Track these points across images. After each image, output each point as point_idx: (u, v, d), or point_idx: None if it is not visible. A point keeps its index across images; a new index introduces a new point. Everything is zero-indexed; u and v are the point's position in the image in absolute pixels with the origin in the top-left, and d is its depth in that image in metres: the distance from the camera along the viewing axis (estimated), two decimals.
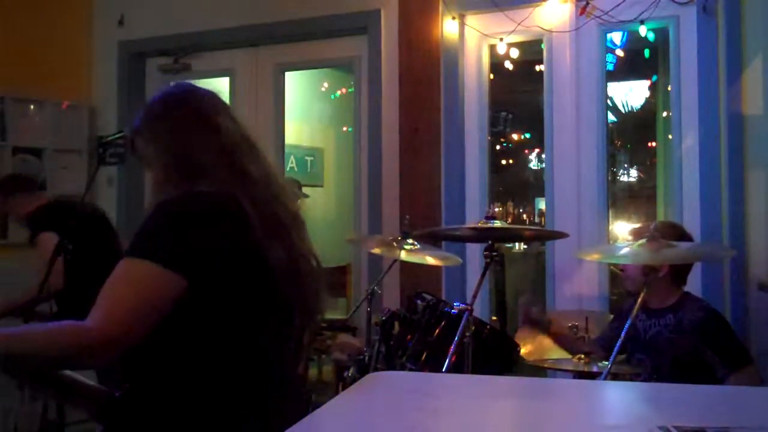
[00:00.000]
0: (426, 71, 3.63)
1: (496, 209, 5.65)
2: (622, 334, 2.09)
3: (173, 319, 1.28)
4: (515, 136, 6.48)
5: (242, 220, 1.37)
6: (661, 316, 2.50)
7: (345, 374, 2.66)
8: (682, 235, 2.51)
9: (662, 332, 2.47)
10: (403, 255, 2.74)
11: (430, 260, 2.91)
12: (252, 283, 1.38)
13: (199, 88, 1.60)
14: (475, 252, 3.39)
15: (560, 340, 2.75)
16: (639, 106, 6.17)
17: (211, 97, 1.57)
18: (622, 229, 5.44)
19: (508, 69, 3.76)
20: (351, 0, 3.85)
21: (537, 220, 5.90)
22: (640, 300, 2.13)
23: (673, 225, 2.66)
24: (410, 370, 2.37)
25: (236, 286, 1.35)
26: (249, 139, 1.53)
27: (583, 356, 2.38)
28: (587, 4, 3.34)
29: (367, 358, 2.58)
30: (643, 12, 3.21)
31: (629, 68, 4.88)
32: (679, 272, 2.52)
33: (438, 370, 2.20)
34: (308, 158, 6.29)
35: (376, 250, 2.89)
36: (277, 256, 1.39)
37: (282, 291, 1.41)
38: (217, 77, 4.34)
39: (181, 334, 1.31)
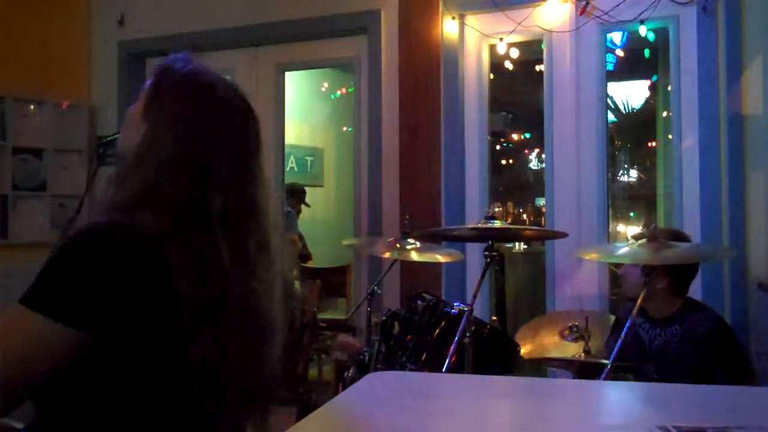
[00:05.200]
0: (426, 71, 3.63)
1: (496, 209, 5.65)
2: (622, 334, 2.08)
3: (80, 370, 1.12)
4: (515, 136, 6.48)
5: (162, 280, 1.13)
6: (666, 326, 2.48)
7: (345, 374, 2.66)
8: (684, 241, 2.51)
9: (670, 343, 2.45)
10: (403, 255, 2.74)
11: (431, 258, 2.91)
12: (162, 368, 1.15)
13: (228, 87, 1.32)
14: (475, 252, 3.39)
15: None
16: (639, 106, 6.17)
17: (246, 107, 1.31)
18: (622, 229, 5.44)
19: (508, 69, 3.76)
20: (351, 0, 3.85)
21: (537, 220, 5.90)
22: (637, 306, 2.13)
23: (676, 232, 2.62)
24: (410, 370, 2.37)
25: (145, 347, 1.14)
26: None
27: (583, 354, 2.38)
28: (587, 4, 3.34)
29: (367, 358, 2.58)
30: (643, 12, 3.21)
31: (629, 68, 4.88)
32: (679, 283, 2.50)
33: (438, 370, 2.20)
34: (308, 158, 6.29)
35: (376, 253, 2.89)
36: (200, 351, 1.14)
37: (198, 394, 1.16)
38: None
39: (88, 386, 1.14)
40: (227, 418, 1.21)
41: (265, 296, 1.25)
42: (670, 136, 3.51)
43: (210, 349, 1.15)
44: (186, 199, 1.19)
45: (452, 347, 2.13)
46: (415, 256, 2.75)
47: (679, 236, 2.50)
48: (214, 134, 1.23)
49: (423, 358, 2.40)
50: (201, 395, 1.16)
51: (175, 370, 1.14)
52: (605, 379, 2.05)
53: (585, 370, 2.37)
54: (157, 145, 1.22)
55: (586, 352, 2.39)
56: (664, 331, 2.47)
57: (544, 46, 3.51)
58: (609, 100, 4.62)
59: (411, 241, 2.73)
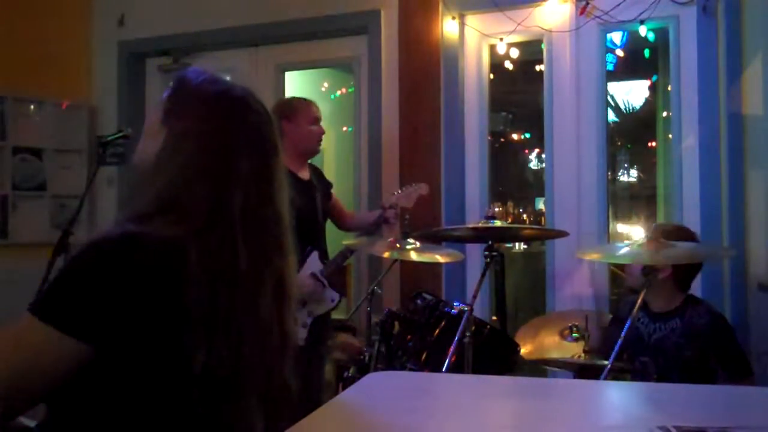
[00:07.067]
0: (426, 71, 3.63)
1: (496, 209, 5.64)
2: (623, 334, 2.08)
3: (93, 377, 1.12)
4: (515, 136, 6.47)
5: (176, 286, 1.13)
6: (666, 320, 2.48)
7: (345, 374, 2.66)
8: (691, 239, 2.50)
9: (669, 336, 2.46)
10: (403, 255, 2.74)
11: (431, 258, 2.90)
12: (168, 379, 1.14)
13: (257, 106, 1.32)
14: (475, 252, 3.39)
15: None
16: (639, 106, 6.16)
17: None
18: (622, 229, 5.44)
19: (508, 69, 3.76)
20: (351, 0, 3.84)
21: (537, 220, 5.90)
22: (639, 300, 2.13)
23: (681, 228, 2.62)
24: (410, 370, 2.37)
25: (158, 356, 1.13)
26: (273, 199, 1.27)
27: (583, 354, 2.38)
28: (587, 4, 3.33)
29: (367, 358, 2.58)
30: (643, 12, 3.21)
31: (629, 68, 4.87)
32: (683, 277, 2.51)
33: (438, 370, 2.21)
34: None
35: (376, 253, 2.89)
36: (214, 357, 1.14)
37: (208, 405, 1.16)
38: None
39: (100, 392, 1.14)
40: (242, 424, 1.21)
41: (280, 299, 1.25)
42: (670, 136, 3.51)
43: (225, 355, 1.15)
44: (206, 202, 1.19)
45: (452, 347, 2.13)
46: (415, 256, 2.74)
47: (685, 232, 2.51)
48: (233, 136, 1.24)
49: (423, 358, 2.41)
50: (215, 402, 1.16)
51: (189, 377, 1.14)
52: (605, 379, 2.05)
53: (585, 370, 2.37)
54: (177, 149, 1.23)
55: (586, 352, 2.39)
56: (663, 325, 2.48)
57: (544, 46, 3.51)
58: (609, 100, 4.61)
59: (411, 241, 2.73)
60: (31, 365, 1.10)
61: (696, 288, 2.89)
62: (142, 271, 1.12)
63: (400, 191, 3.19)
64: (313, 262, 3.08)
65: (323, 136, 3.29)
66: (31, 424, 1.34)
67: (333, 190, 3.48)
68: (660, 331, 2.49)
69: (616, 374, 2.18)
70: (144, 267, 1.12)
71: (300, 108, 3.22)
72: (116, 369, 1.12)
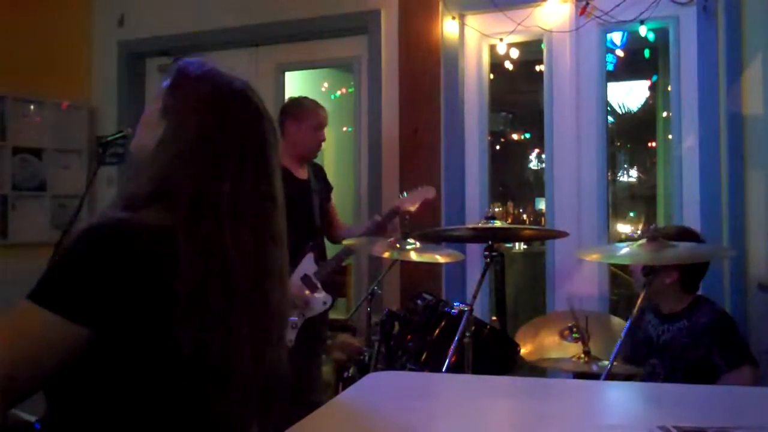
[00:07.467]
0: (426, 71, 3.63)
1: (496, 209, 5.64)
2: (622, 334, 2.08)
3: (89, 365, 1.12)
4: (515, 136, 6.47)
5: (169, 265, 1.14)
6: (674, 321, 2.49)
7: (345, 374, 2.66)
8: (695, 239, 2.50)
9: (676, 337, 2.47)
10: (403, 255, 2.73)
11: (431, 258, 2.90)
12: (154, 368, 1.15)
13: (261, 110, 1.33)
14: (475, 252, 3.39)
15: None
16: (639, 106, 6.17)
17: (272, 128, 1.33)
18: (622, 229, 5.44)
19: (508, 69, 3.75)
20: (351, 0, 3.84)
21: (537, 220, 5.90)
22: (639, 301, 2.13)
23: (684, 230, 2.62)
24: (410, 370, 2.37)
25: (150, 344, 1.14)
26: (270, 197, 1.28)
27: (583, 356, 2.38)
28: (587, 4, 3.33)
29: (367, 358, 2.58)
30: (643, 12, 3.21)
31: (629, 68, 4.87)
32: (689, 279, 2.52)
33: (438, 370, 2.21)
34: None
35: (376, 253, 2.89)
36: (204, 347, 1.15)
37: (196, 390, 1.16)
38: None
39: (96, 381, 1.14)
40: (233, 416, 1.21)
41: (276, 291, 1.26)
42: (670, 136, 3.51)
43: (215, 345, 1.16)
44: (197, 190, 1.20)
45: (452, 347, 2.13)
46: (415, 256, 2.74)
47: (688, 234, 2.51)
48: (230, 128, 1.26)
49: (423, 358, 2.41)
50: (206, 392, 1.17)
51: (180, 367, 1.14)
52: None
53: (586, 377, 2.37)
54: (175, 139, 1.24)
55: (586, 352, 2.39)
56: (671, 326, 2.49)
57: (544, 46, 3.51)
58: (609, 100, 4.62)
59: (411, 241, 2.72)
60: (31, 351, 1.10)
61: None
62: (137, 255, 1.13)
63: (405, 195, 3.17)
64: (308, 264, 3.07)
65: (323, 144, 3.28)
66: (32, 419, 1.34)
67: (333, 194, 3.47)
68: (668, 332, 2.50)
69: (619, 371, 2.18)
70: (138, 252, 1.13)
71: (308, 110, 3.23)
72: (114, 357, 1.13)
